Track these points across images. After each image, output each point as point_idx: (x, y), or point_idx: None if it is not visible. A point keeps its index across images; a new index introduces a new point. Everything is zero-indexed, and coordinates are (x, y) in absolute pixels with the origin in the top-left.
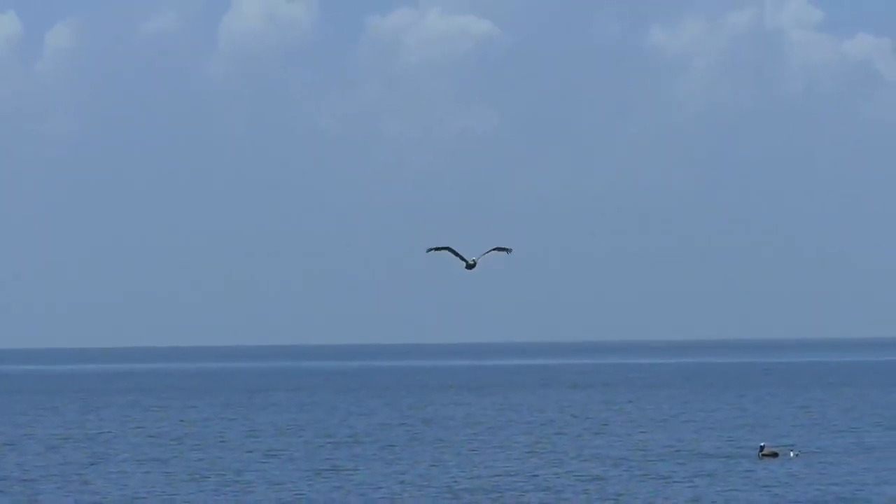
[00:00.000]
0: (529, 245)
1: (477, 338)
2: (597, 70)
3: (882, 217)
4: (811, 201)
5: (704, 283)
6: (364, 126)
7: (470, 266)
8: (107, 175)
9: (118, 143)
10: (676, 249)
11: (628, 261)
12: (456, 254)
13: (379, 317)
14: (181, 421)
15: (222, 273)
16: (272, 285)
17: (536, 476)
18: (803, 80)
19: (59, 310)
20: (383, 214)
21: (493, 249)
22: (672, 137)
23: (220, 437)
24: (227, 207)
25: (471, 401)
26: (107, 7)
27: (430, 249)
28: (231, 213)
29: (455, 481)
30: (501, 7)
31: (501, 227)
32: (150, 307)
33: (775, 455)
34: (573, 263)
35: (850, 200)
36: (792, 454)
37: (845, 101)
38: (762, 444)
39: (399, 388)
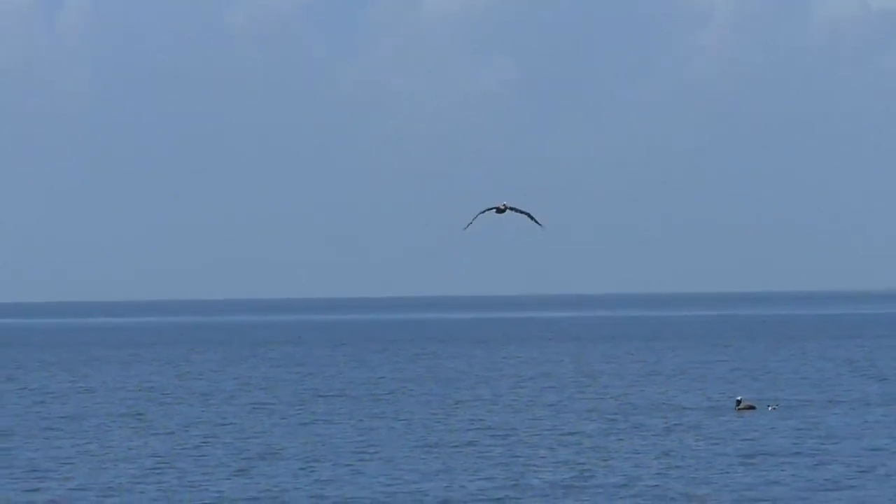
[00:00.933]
0: (543, 202)
1: (487, 291)
2: (617, 22)
3: None
4: (831, 155)
5: (719, 237)
6: (382, 81)
7: (500, 211)
8: (127, 129)
9: (138, 99)
10: (689, 203)
11: (644, 212)
12: (486, 210)
13: (387, 271)
14: (177, 376)
15: (236, 225)
16: (285, 238)
17: (515, 430)
18: (827, 31)
19: (71, 263)
20: (396, 169)
21: (528, 213)
22: (692, 91)
23: (213, 390)
24: (245, 163)
25: (467, 353)
26: None
27: (468, 226)
28: (249, 166)
29: (430, 435)
30: None
31: (518, 181)
32: (164, 262)
33: (752, 408)
34: (591, 217)
35: (869, 153)
36: (770, 407)
37: (868, 52)
38: (738, 397)
39: (400, 341)
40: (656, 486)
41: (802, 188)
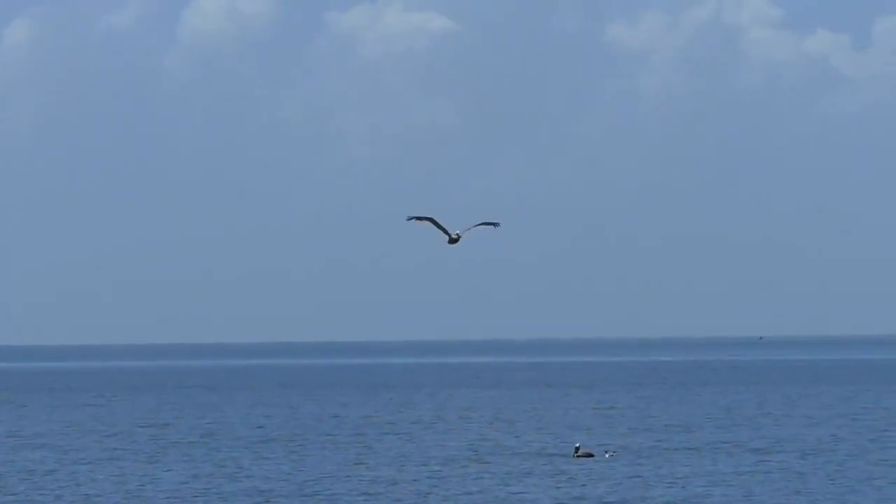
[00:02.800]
0: (488, 239)
1: (435, 335)
2: (556, 65)
3: (839, 209)
4: (770, 195)
5: (663, 276)
6: (323, 122)
7: (453, 240)
8: (64, 170)
9: (76, 139)
10: (636, 242)
11: (588, 254)
12: (439, 226)
13: (335, 313)
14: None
15: (179, 269)
16: (229, 281)
17: (349, 477)
18: (763, 75)
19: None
20: (342, 210)
21: (480, 224)
22: (632, 132)
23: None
24: (186, 203)
25: (362, 401)
26: (65, 2)
27: (412, 218)
28: (189, 208)
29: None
30: (461, 3)
31: (462, 219)
32: (103, 303)
33: (591, 455)
34: (533, 257)
35: (807, 194)
36: (607, 454)
37: (804, 96)
38: (577, 444)
39: (309, 386)
40: None
41: (744, 226)
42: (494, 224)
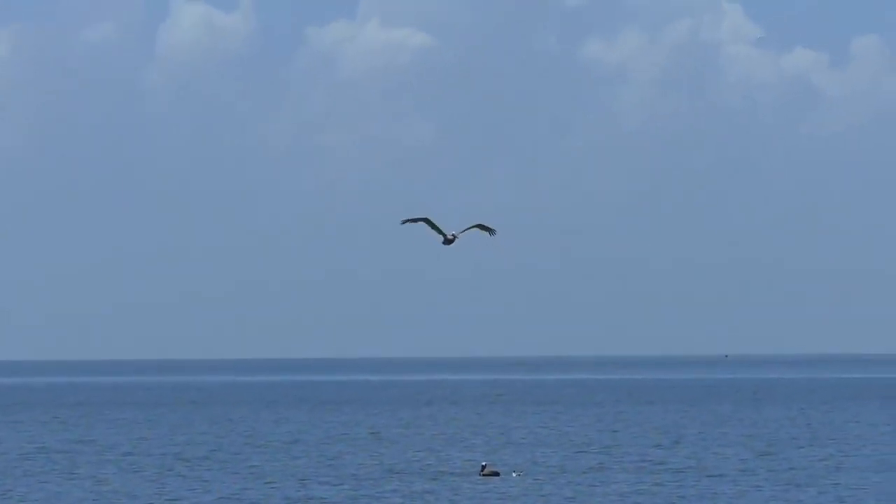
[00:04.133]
0: (468, 258)
1: (414, 352)
2: (536, 83)
3: (818, 228)
4: (750, 213)
5: (642, 294)
6: (302, 137)
7: (448, 241)
8: (44, 185)
9: (55, 154)
10: (614, 260)
11: (570, 273)
12: (433, 226)
13: (316, 330)
14: None
15: (158, 286)
16: (209, 297)
17: (247, 490)
18: (741, 93)
19: None
20: (322, 226)
21: (476, 226)
22: (611, 149)
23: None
24: (164, 218)
25: (297, 418)
26: (44, 16)
27: (406, 221)
28: (167, 223)
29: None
30: (440, 20)
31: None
32: (84, 321)
33: (497, 474)
34: (514, 276)
35: (787, 213)
36: (514, 474)
37: (783, 115)
38: (483, 463)
39: (255, 403)
40: None
41: (726, 243)
42: (490, 231)
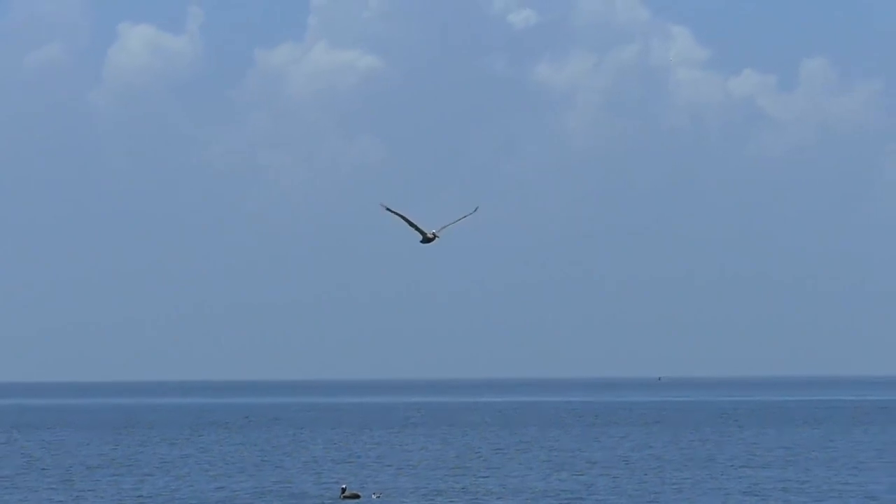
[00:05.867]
0: (416, 279)
1: (362, 374)
2: (484, 104)
3: (764, 250)
4: (697, 234)
5: (592, 316)
6: (250, 159)
7: (428, 239)
8: None
9: (0, 176)
10: (567, 282)
11: (516, 294)
12: (411, 224)
13: (258, 351)
14: None
15: (102, 308)
16: (154, 321)
17: None
18: (689, 115)
19: None
20: (269, 248)
21: (459, 220)
22: (558, 171)
23: None
24: (111, 241)
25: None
26: None
27: (388, 209)
28: (114, 245)
29: None
30: (388, 41)
31: (388, 259)
32: (24, 342)
33: (357, 496)
34: (460, 298)
35: (734, 235)
36: (374, 496)
37: (730, 137)
38: (343, 485)
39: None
40: None
41: (672, 264)
42: (470, 213)
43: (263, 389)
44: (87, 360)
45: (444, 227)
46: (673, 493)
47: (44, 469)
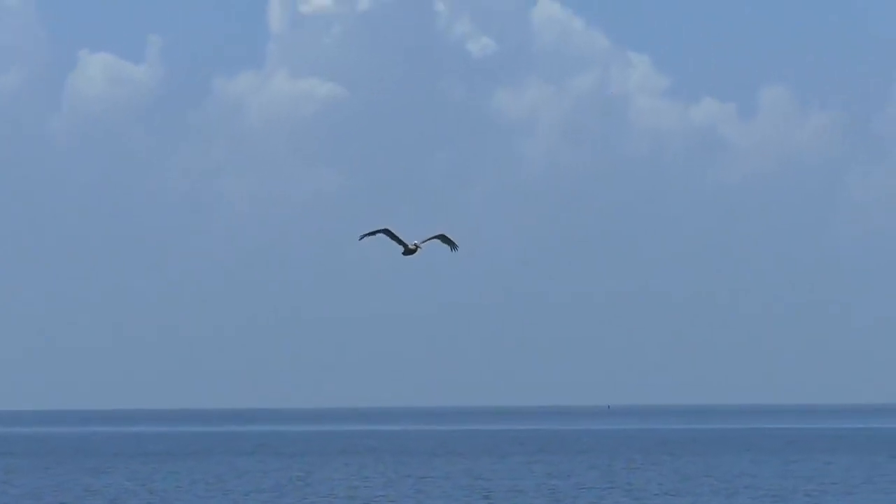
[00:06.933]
0: (376, 304)
1: (315, 402)
2: (441, 132)
3: (722, 276)
4: (654, 261)
5: (548, 342)
6: (209, 188)
7: (409, 251)
8: None
9: None
10: (521, 307)
11: (476, 320)
12: (393, 237)
13: (229, 380)
14: None
15: (61, 336)
16: (108, 347)
17: None
18: (648, 144)
19: None
20: (229, 276)
21: (438, 237)
22: (515, 200)
23: None
24: (69, 269)
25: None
26: None
27: (364, 236)
28: (72, 274)
29: None
30: (347, 70)
31: (350, 287)
32: None
33: None
34: (419, 324)
35: (693, 262)
36: None
37: (690, 165)
38: None
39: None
40: None
41: (631, 290)
42: (452, 244)
43: (217, 417)
44: (47, 387)
45: (427, 240)
46: None
47: None
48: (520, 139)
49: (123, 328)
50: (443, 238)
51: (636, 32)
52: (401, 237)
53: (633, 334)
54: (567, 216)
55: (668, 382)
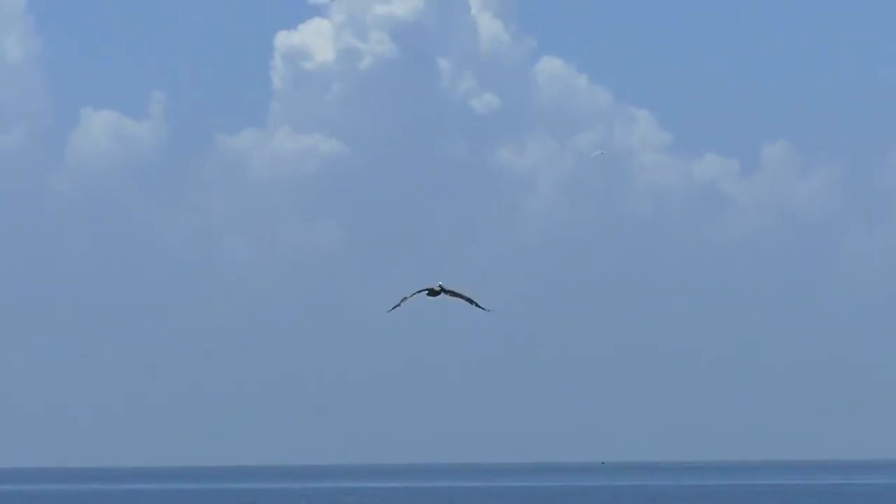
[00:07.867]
0: (378, 360)
1: (303, 460)
2: (444, 188)
3: (722, 333)
4: (655, 317)
5: (542, 398)
6: (211, 244)
7: (434, 293)
8: None
9: None
10: (518, 363)
11: (471, 375)
12: (418, 292)
13: (213, 438)
14: None
15: (61, 396)
16: (107, 405)
17: None
18: (651, 200)
19: None
20: (229, 333)
21: (467, 298)
22: (517, 257)
23: None
24: (71, 328)
25: None
26: None
27: (395, 307)
28: (72, 331)
29: None
30: (350, 127)
31: (349, 343)
32: None
33: None
34: (422, 379)
35: (692, 319)
36: None
37: (692, 221)
38: None
39: None
40: None
41: (632, 346)
42: (482, 307)
43: (217, 475)
44: (46, 445)
45: (454, 292)
46: None
47: None
48: (522, 195)
49: (123, 386)
50: (472, 302)
51: (639, 88)
52: (429, 287)
53: (630, 390)
54: (568, 272)
55: (664, 438)
